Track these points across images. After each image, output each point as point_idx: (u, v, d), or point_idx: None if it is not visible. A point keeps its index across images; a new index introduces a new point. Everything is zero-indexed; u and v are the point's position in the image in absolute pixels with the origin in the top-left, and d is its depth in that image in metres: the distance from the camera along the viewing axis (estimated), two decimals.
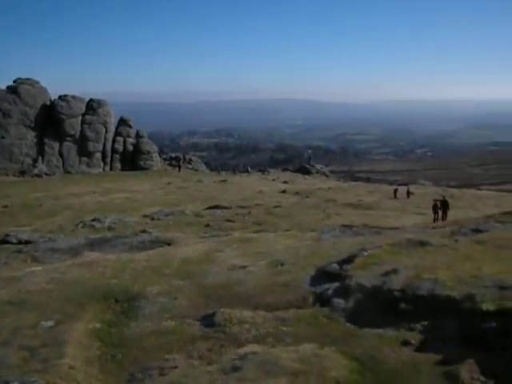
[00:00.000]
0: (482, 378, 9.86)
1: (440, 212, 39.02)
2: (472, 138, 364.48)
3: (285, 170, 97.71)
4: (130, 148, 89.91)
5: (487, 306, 11.86)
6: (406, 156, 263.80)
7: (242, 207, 44.79)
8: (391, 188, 62.66)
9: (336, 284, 15.90)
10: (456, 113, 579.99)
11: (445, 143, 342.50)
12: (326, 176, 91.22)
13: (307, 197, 54.29)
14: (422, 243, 18.73)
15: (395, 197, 56.53)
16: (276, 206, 45.23)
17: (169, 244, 26.94)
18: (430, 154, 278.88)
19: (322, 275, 17.07)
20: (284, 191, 59.10)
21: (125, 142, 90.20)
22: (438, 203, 40.03)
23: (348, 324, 13.49)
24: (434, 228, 27.36)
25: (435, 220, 38.37)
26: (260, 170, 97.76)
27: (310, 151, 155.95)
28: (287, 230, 31.18)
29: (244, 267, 19.38)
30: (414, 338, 12.08)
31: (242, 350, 12.07)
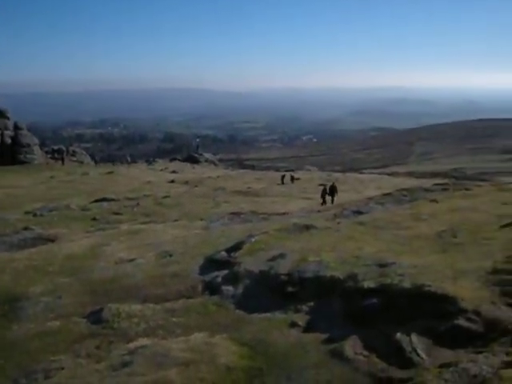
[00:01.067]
0: (365, 353, 10.28)
1: (328, 197, 40.37)
2: (354, 124, 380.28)
3: (173, 159, 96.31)
4: (8, 141, 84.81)
5: (368, 283, 12.41)
6: (292, 143, 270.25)
7: (130, 199, 43.83)
8: (278, 174, 63.92)
9: (225, 271, 16.04)
10: (339, 100, 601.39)
11: (329, 129, 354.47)
12: (215, 165, 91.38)
13: (196, 186, 54.09)
14: (308, 227, 19.30)
15: (282, 183, 57.80)
16: (165, 197, 44.69)
17: (52, 241, 25.87)
18: (315, 140, 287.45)
19: (211, 263, 17.16)
20: (173, 181, 58.44)
21: (2, 134, 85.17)
22: (327, 188, 41.36)
23: (238, 310, 13.67)
24: (318, 212, 28.30)
25: (324, 204, 39.63)
26: (147, 161, 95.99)
27: (198, 140, 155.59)
28: (176, 220, 30.97)
29: (132, 260, 19.08)
30: (302, 319, 12.41)
31: (131, 345, 11.87)
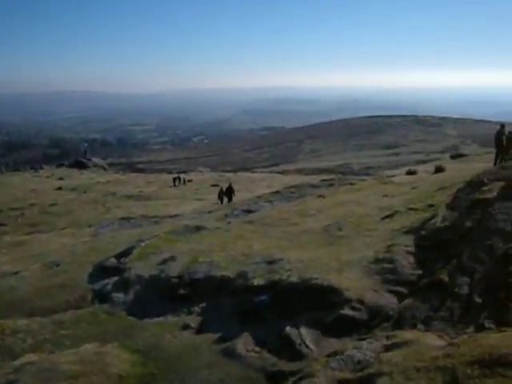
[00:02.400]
0: (257, 349, 10.43)
1: (225, 197, 40.60)
2: (245, 123, 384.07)
3: (60, 165, 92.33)
4: None
5: (258, 281, 12.61)
6: (184, 144, 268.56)
7: (14, 209, 41.81)
8: (170, 177, 63.40)
9: (115, 278, 15.68)
10: (230, 100, 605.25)
11: (220, 130, 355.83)
12: (105, 169, 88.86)
13: (85, 192, 52.51)
14: (198, 228, 19.30)
15: (175, 185, 57.40)
16: (52, 205, 43.05)
17: None
18: (206, 141, 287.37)
19: (101, 271, 16.71)
20: (60, 188, 56.25)
21: None
22: (224, 189, 41.56)
23: (129, 317, 13.43)
24: (210, 212, 28.39)
25: (221, 204, 39.88)
26: (32, 168, 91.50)
27: (85, 145, 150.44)
28: (64, 229, 29.94)
29: (16, 273, 18.19)
30: (194, 320, 12.40)
31: (17, 362, 11.26)
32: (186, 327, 12.14)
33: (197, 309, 12.96)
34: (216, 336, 11.38)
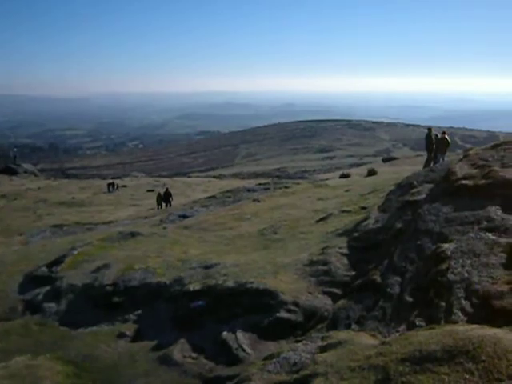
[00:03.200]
0: (194, 355, 10.37)
1: (163, 202, 40.10)
2: (180, 128, 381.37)
3: None
4: None
5: (194, 286, 12.53)
6: (118, 149, 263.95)
7: None
8: (105, 183, 62.13)
9: (47, 288, 15.21)
10: (166, 105, 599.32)
11: (156, 134, 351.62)
12: (36, 175, 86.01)
13: (15, 199, 50.69)
14: (133, 234, 18.98)
15: (109, 191, 56.30)
16: None
17: None
18: (141, 146, 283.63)
19: (32, 281, 16.15)
20: None
21: None
22: (162, 194, 41.05)
23: (62, 327, 13.06)
24: (146, 218, 28.02)
25: (158, 209, 39.34)
26: None
27: (15, 150, 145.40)
28: None
29: None
30: (129, 328, 12.21)
31: None
32: (121, 336, 11.93)
33: (132, 317, 12.77)
34: (152, 343, 11.26)
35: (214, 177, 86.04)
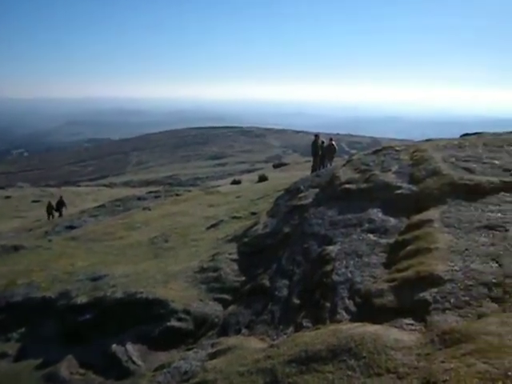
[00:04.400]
0: (82, 371, 10.02)
1: (55, 212, 38.36)
2: (69, 135, 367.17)
3: None
4: None
5: (81, 299, 12.13)
6: (2, 158, 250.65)
7: None
8: None
9: None
10: (51, 111, 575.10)
11: (41, 142, 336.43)
12: None
13: None
14: (16, 248, 18.08)
15: None
16: None
17: None
18: (26, 154, 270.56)
19: None
20: None
21: None
22: (53, 203, 39.25)
23: None
24: (30, 230, 26.76)
25: (49, 219, 37.55)
26: None
27: None
28: None
29: None
30: (12, 347, 11.60)
31: None
32: (3, 356, 11.31)
33: (15, 335, 12.12)
34: (37, 362, 10.76)
35: (105, 185, 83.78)
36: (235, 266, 12.14)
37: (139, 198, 29.72)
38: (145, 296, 11.26)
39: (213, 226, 17.14)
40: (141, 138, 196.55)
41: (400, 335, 5.51)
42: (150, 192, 33.57)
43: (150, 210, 23.26)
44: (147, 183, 79.26)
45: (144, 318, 10.77)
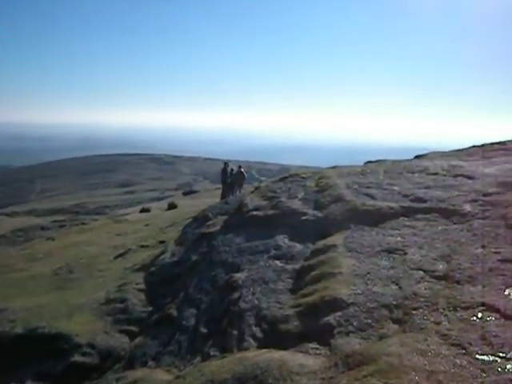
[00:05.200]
0: None
1: None
2: None
3: None
4: None
5: None
6: None
7: None
8: None
9: None
10: None
11: None
12: None
13: None
14: None
15: None
16: None
17: None
18: None
19: None
20: None
21: None
22: None
23: None
24: None
25: None
26: None
27: None
28: None
29: None
30: None
31: None
32: None
33: None
34: None
35: (6, 214, 79.94)
36: (142, 297, 11.89)
37: (43, 228, 28.61)
38: (47, 330, 10.74)
39: (120, 255, 16.73)
40: (46, 164, 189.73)
41: (305, 360, 5.57)
42: (55, 221, 32.40)
43: (53, 239, 22.40)
44: (52, 212, 76.26)
45: (46, 354, 10.26)
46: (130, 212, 35.49)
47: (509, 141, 18.67)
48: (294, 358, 5.66)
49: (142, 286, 12.38)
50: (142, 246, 16.91)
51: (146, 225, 22.37)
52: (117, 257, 16.75)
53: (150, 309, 11.21)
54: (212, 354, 7.48)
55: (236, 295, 8.35)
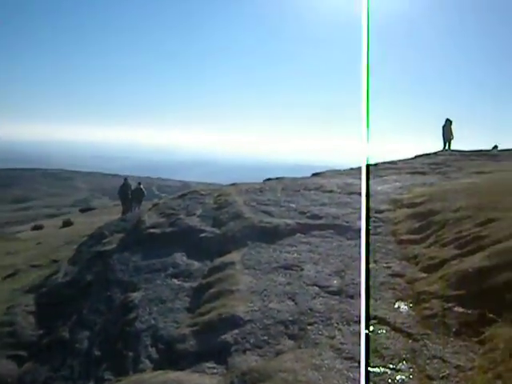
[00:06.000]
0: None
1: None
2: None
3: None
4: None
5: None
6: None
7: None
8: None
9: None
10: None
11: None
12: None
13: None
14: None
15: None
16: None
17: None
18: None
19: None
20: None
21: None
22: None
23: None
24: None
25: None
26: None
27: None
28: None
29: None
30: None
31: None
32: None
33: None
34: None
35: None
36: (32, 319, 11.29)
37: None
38: None
39: (9, 275, 15.86)
40: None
41: (201, 380, 5.50)
42: None
43: None
44: None
45: None
46: (22, 229, 33.88)
47: (399, 160, 19.78)
48: (189, 378, 5.57)
49: (33, 308, 11.77)
50: (33, 266, 16.14)
51: (38, 243, 21.41)
52: (5, 277, 15.88)
53: (41, 332, 10.66)
54: (106, 377, 7.22)
55: (132, 315, 8.13)
